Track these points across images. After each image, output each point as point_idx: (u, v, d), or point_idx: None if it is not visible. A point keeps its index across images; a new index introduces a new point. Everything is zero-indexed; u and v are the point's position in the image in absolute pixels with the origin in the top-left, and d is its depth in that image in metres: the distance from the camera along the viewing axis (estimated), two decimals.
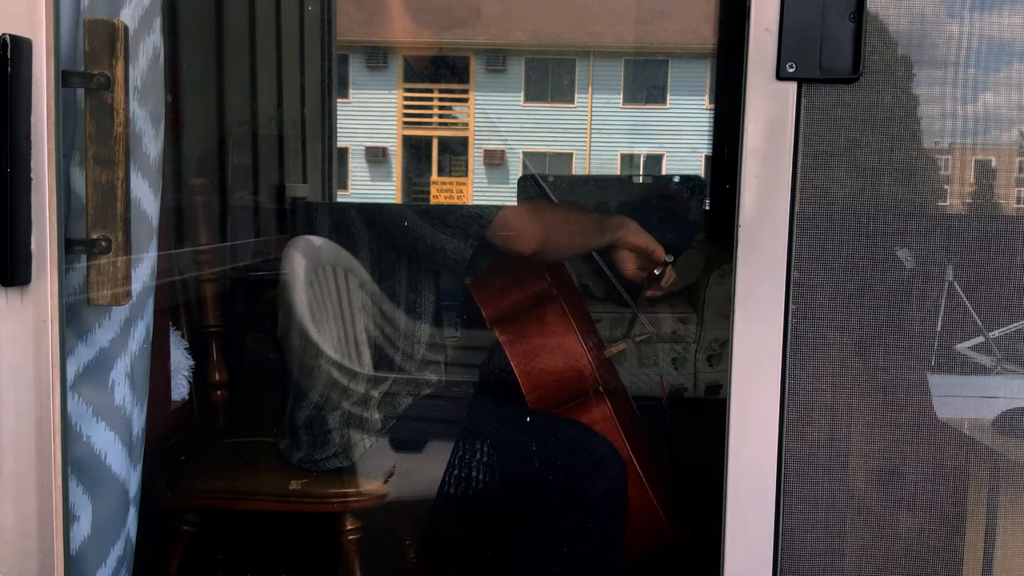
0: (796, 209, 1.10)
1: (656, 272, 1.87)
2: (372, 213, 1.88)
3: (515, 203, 1.79)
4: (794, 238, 1.11)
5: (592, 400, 1.85)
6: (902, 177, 1.11)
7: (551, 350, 1.84)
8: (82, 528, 1.20)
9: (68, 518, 1.13)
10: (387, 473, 1.80)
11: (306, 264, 1.80)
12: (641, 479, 1.81)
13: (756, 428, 1.13)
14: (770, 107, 1.09)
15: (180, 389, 1.83)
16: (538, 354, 1.82)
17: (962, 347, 1.14)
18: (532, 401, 1.82)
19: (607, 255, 1.90)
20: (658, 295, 1.92)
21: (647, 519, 1.83)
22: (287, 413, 1.84)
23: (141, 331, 1.26)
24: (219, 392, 1.95)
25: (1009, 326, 1.13)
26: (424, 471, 1.78)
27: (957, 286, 1.12)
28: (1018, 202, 1.19)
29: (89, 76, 1.07)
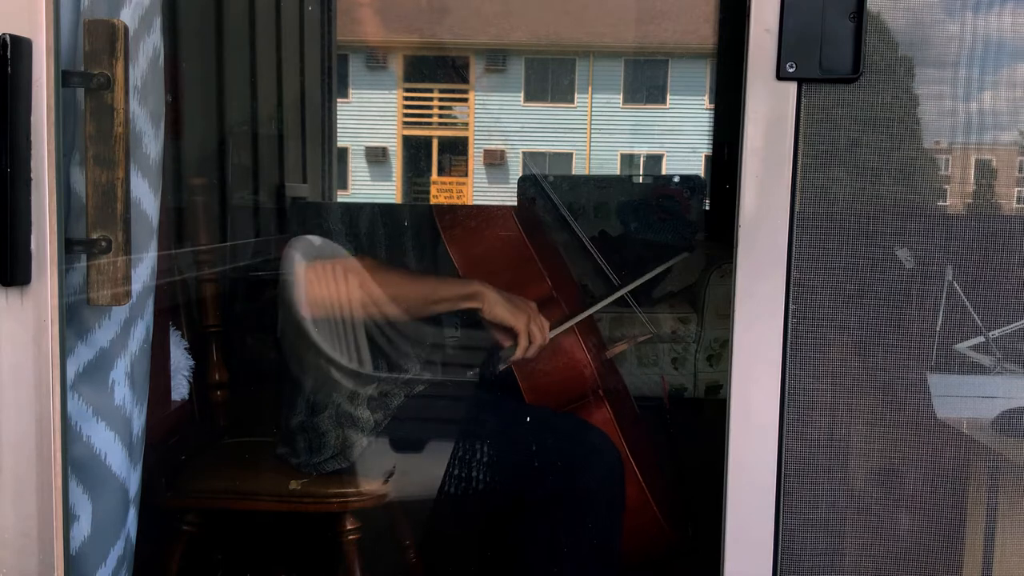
0: (796, 209, 1.10)
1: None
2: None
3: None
4: (794, 238, 1.11)
5: (592, 403, 1.85)
6: (902, 177, 1.11)
7: (551, 353, 1.83)
8: (82, 528, 1.20)
9: (68, 518, 1.13)
10: (387, 473, 1.80)
11: (306, 264, 1.79)
12: (640, 481, 1.81)
13: (756, 428, 1.13)
14: (770, 107, 1.09)
15: (180, 389, 1.83)
16: (538, 357, 1.82)
17: (962, 347, 1.14)
18: (532, 404, 1.82)
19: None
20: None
21: (645, 520, 1.83)
22: (285, 415, 1.83)
23: (141, 331, 1.26)
24: (219, 392, 1.95)
25: (1009, 326, 1.13)
26: (424, 471, 1.78)
27: (957, 286, 1.12)
28: (1018, 202, 1.19)
29: (89, 76, 1.07)
